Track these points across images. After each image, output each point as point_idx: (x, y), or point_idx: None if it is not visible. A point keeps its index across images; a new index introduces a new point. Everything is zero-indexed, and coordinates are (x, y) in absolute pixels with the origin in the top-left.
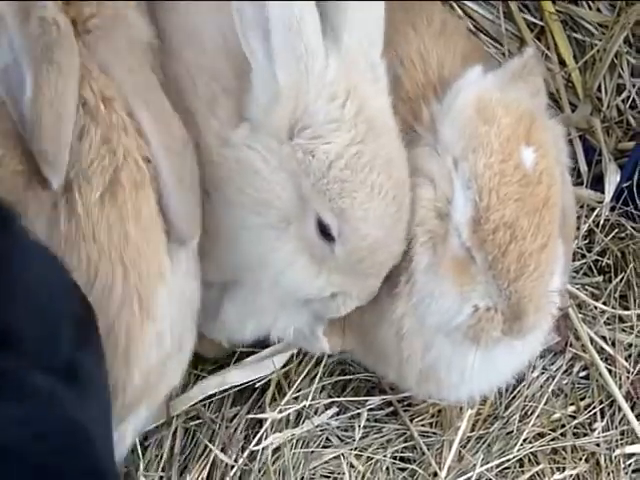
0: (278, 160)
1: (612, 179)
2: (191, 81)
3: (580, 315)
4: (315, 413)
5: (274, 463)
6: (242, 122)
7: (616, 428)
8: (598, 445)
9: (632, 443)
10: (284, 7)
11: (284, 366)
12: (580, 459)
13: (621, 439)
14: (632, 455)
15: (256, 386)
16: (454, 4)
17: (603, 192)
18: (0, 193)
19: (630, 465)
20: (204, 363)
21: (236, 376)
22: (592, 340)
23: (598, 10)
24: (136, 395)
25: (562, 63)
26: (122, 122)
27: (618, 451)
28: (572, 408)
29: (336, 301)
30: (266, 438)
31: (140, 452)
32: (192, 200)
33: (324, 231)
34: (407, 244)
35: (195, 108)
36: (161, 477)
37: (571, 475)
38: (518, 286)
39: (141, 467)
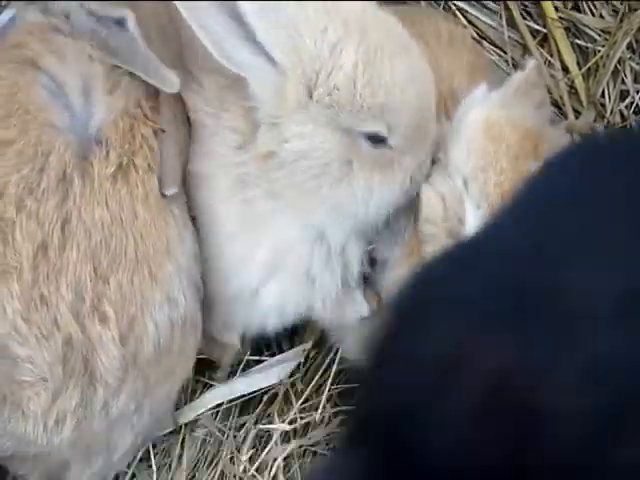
0: (313, 124)
1: None
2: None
3: None
4: (321, 422)
5: (284, 473)
6: (258, 128)
7: None
8: None
9: None
10: None
11: (291, 375)
12: None
13: None
14: None
15: (264, 395)
16: (457, 12)
17: None
18: None
19: None
20: (211, 371)
21: (243, 385)
22: None
23: (601, 16)
24: (150, 357)
25: (565, 69)
26: (144, 115)
27: None
28: None
29: (414, 180)
30: (276, 447)
31: (153, 460)
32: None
33: (375, 139)
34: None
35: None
36: None
37: None
38: None
39: (153, 477)
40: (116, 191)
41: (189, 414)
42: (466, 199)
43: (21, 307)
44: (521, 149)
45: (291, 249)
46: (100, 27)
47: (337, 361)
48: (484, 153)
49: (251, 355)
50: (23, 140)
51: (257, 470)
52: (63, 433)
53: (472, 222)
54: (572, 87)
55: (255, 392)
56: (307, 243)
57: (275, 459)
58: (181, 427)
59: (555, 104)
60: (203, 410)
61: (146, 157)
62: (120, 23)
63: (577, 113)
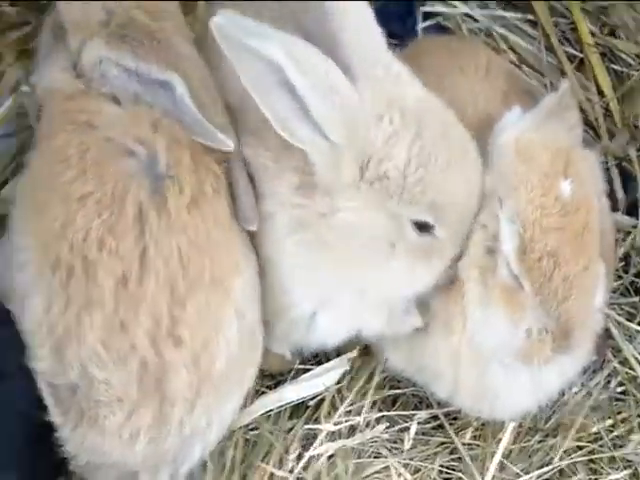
0: (362, 202)
1: None
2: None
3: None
4: (366, 426)
5: (328, 472)
6: (316, 195)
7: None
8: (636, 455)
9: None
10: (311, 80)
11: (337, 383)
12: (617, 469)
13: None
14: None
15: (311, 402)
16: (498, 38)
17: (638, 217)
18: None
19: None
20: (263, 379)
21: (293, 392)
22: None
23: (636, 42)
24: (221, 373)
25: (601, 93)
26: (201, 146)
27: None
28: (609, 422)
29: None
30: (321, 446)
31: (209, 460)
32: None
33: (421, 227)
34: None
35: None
36: None
37: None
38: (566, 307)
39: (209, 476)
40: (191, 219)
41: (243, 419)
42: (501, 216)
43: (102, 334)
44: (551, 168)
45: (340, 290)
46: (143, 89)
47: (380, 369)
48: (516, 173)
49: (300, 364)
50: (100, 190)
51: (303, 469)
52: (136, 447)
53: (507, 237)
54: (607, 110)
55: (303, 398)
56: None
57: (320, 456)
58: (234, 431)
59: (590, 126)
60: (256, 415)
61: (212, 183)
62: (165, 86)
63: (611, 135)
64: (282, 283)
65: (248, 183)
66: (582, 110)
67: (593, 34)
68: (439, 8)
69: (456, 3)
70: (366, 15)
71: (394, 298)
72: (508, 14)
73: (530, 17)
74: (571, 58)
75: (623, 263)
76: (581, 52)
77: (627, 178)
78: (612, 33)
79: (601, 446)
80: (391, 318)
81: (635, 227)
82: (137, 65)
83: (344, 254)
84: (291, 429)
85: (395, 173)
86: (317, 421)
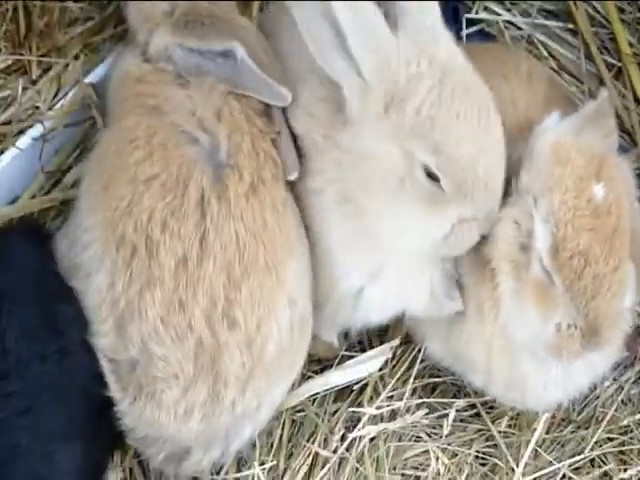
0: (381, 134)
1: None
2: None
3: None
4: (407, 411)
5: (370, 454)
6: (345, 126)
7: None
8: None
9: None
10: (354, 17)
11: (380, 369)
12: None
13: None
14: None
15: (355, 386)
16: (539, 45)
17: None
18: None
19: None
20: (310, 364)
21: (338, 377)
22: None
23: None
24: (273, 357)
25: (637, 101)
26: (260, 130)
27: None
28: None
29: (457, 233)
30: (364, 428)
31: (257, 440)
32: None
33: (431, 175)
34: (492, 271)
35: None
36: (271, 461)
37: (637, 472)
38: (594, 305)
39: (257, 454)
40: (249, 205)
41: (290, 401)
42: (535, 215)
43: (161, 311)
44: (585, 171)
45: (387, 258)
46: (205, 62)
47: (421, 358)
48: (551, 174)
49: (345, 351)
50: (166, 172)
51: (346, 450)
52: (191, 423)
53: (541, 235)
54: None
55: (348, 383)
56: (395, 257)
57: (362, 438)
58: (282, 412)
59: (627, 132)
60: (302, 398)
61: (271, 169)
62: (225, 54)
63: None
64: (330, 257)
65: (288, 135)
66: (619, 117)
67: (631, 44)
68: (483, 15)
69: (500, 10)
70: None
71: (404, 245)
72: (549, 22)
73: (571, 26)
74: (609, 67)
75: None
76: (619, 61)
77: None
78: None
79: (631, 438)
80: (433, 297)
81: None
82: (199, 43)
83: (363, 196)
84: (335, 412)
85: (411, 109)
86: (360, 405)
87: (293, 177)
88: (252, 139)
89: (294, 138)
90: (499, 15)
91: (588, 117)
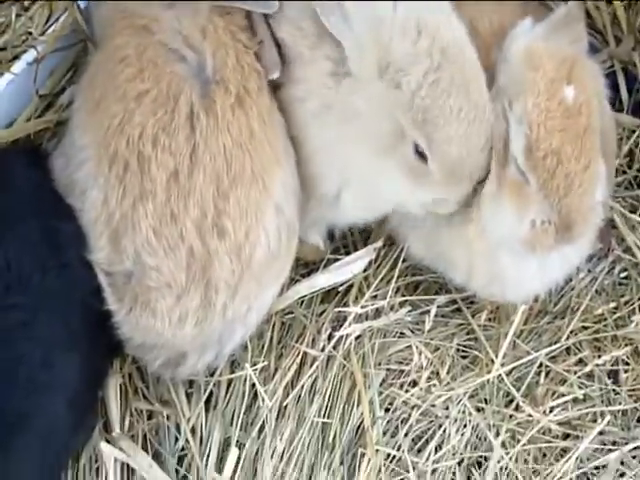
0: (376, 99)
1: None
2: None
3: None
4: (391, 309)
5: (356, 351)
6: (344, 79)
7: None
8: (636, 334)
9: None
10: None
11: (364, 270)
12: (619, 347)
13: None
14: None
15: (340, 287)
16: None
17: None
18: None
19: None
20: (297, 268)
21: (324, 280)
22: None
23: None
24: (262, 262)
25: (608, 1)
26: (243, 45)
27: None
28: (613, 304)
29: (438, 206)
30: (349, 327)
31: (249, 342)
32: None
33: (420, 153)
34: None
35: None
36: (262, 362)
37: (611, 359)
38: (567, 201)
39: (249, 355)
40: (235, 118)
41: (279, 304)
42: (510, 117)
43: (153, 223)
44: (556, 74)
45: (359, 165)
46: None
47: (403, 257)
48: (524, 79)
49: (330, 254)
50: (156, 88)
51: (333, 348)
52: (185, 328)
53: (515, 136)
54: (614, 17)
55: (334, 285)
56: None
57: (348, 337)
58: (272, 315)
59: (599, 32)
60: (291, 301)
61: (255, 81)
62: None
63: (618, 40)
64: (310, 162)
65: (270, 38)
66: (591, 17)
67: None
68: None
69: None
70: None
71: (376, 198)
72: None
73: None
74: None
75: (628, 159)
76: None
77: (631, 81)
78: None
79: (605, 326)
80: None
81: (638, 126)
82: None
83: (354, 136)
84: (322, 312)
85: (407, 89)
86: (346, 305)
87: (275, 76)
88: (236, 54)
89: (278, 47)
90: None
91: (559, 22)
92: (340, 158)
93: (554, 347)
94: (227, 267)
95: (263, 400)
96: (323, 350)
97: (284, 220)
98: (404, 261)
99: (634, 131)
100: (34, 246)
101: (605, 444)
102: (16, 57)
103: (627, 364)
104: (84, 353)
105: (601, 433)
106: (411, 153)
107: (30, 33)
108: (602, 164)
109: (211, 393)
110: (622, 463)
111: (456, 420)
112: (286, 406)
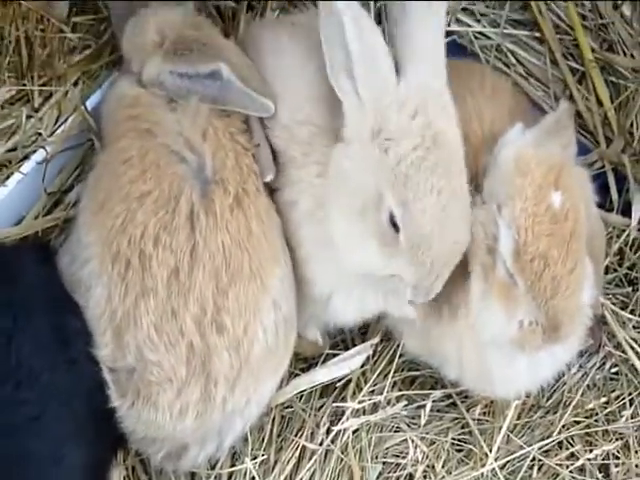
0: (363, 160)
1: (638, 206)
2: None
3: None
4: (388, 404)
5: (353, 445)
6: (337, 143)
7: None
8: (627, 429)
9: None
10: (362, 44)
11: (362, 366)
12: (610, 441)
13: None
14: None
15: (339, 382)
16: (508, 53)
17: (631, 217)
18: None
19: None
20: (296, 362)
21: (323, 375)
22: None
23: (632, 56)
24: (260, 357)
25: (600, 103)
26: (242, 147)
27: None
28: (604, 399)
29: (398, 288)
30: (347, 421)
31: (249, 434)
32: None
33: (393, 222)
34: (465, 273)
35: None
36: (262, 455)
37: (602, 453)
38: (554, 303)
39: (249, 448)
40: (234, 217)
41: (279, 398)
42: (499, 221)
43: (155, 319)
44: (544, 181)
45: (338, 227)
46: (194, 85)
47: (400, 353)
48: (513, 184)
49: (329, 349)
50: (158, 189)
51: (331, 442)
52: (186, 421)
53: (504, 240)
54: (605, 118)
55: (332, 380)
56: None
57: (346, 431)
58: (272, 408)
59: (590, 133)
60: (290, 395)
61: (254, 182)
62: (212, 75)
63: (609, 141)
64: (302, 265)
65: (264, 138)
66: (582, 118)
67: (593, 50)
68: (454, 27)
69: (470, 22)
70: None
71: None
72: (517, 32)
73: (537, 34)
74: (574, 71)
75: (618, 257)
76: (582, 66)
77: (621, 181)
78: (610, 48)
79: (596, 421)
80: (389, 303)
81: (628, 226)
82: (188, 68)
83: (335, 196)
84: (321, 407)
85: (393, 156)
86: (344, 399)
87: (269, 178)
88: (235, 155)
89: (273, 153)
90: (470, 27)
91: (549, 129)
92: (331, 263)
93: (547, 441)
94: (226, 362)
95: None
96: (321, 444)
97: (281, 316)
98: (401, 356)
99: (624, 230)
100: (44, 344)
101: None
102: (26, 157)
103: (617, 458)
104: (90, 446)
105: None
106: (386, 220)
107: (40, 134)
108: (589, 266)
109: None
110: None
111: None
112: None
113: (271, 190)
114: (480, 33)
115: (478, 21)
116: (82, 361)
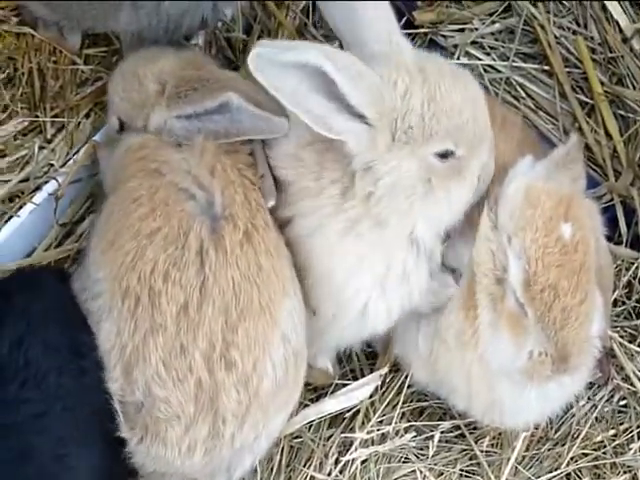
0: (397, 160)
1: None
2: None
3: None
4: (396, 434)
5: (362, 476)
6: (355, 182)
7: None
8: (635, 461)
9: None
10: (342, 71)
11: (370, 396)
12: (618, 474)
13: None
14: None
15: (347, 413)
16: (517, 87)
17: (639, 250)
18: None
19: None
20: (306, 393)
21: (331, 405)
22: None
23: None
24: (269, 392)
25: (609, 136)
26: (250, 182)
27: None
28: (612, 432)
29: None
30: (356, 451)
31: (258, 465)
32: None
33: (443, 155)
34: (473, 303)
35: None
36: None
37: None
38: (563, 334)
39: (258, 479)
40: (244, 252)
41: (288, 429)
42: (509, 252)
43: (163, 355)
44: (554, 213)
45: (393, 266)
46: (204, 123)
47: (408, 383)
48: (524, 215)
49: (338, 379)
50: (167, 226)
51: (340, 472)
52: (194, 458)
53: (514, 270)
54: (614, 151)
55: (341, 410)
56: (406, 252)
57: (354, 461)
58: (281, 439)
59: (599, 166)
60: (299, 426)
61: (263, 217)
62: (220, 109)
63: (617, 174)
64: (336, 286)
65: (267, 164)
66: (592, 152)
67: (603, 83)
68: (464, 60)
69: (480, 55)
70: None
71: (446, 227)
72: (526, 65)
73: (546, 68)
74: (583, 105)
75: (626, 290)
76: (592, 99)
77: (630, 214)
78: (620, 82)
79: (604, 453)
80: (430, 290)
81: (637, 259)
82: (196, 107)
83: (398, 216)
84: (330, 437)
85: (416, 119)
86: (352, 430)
87: (270, 204)
88: (244, 191)
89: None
90: (479, 60)
91: (558, 161)
92: (378, 258)
93: (555, 474)
94: (234, 398)
95: None
96: (330, 474)
97: (291, 349)
98: (409, 387)
99: (633, 263)
100: (55, 347)
101: None
102: (38, 188)
103: None
104: (98, 453)
105: None
106: (439, 165)
107: (52, 165)
108: (599, 298)
109: None
110: None
111: None
112: None
113: (285, 223)
114: (489, 66)
115: (487, 54)
116: (92, 376)
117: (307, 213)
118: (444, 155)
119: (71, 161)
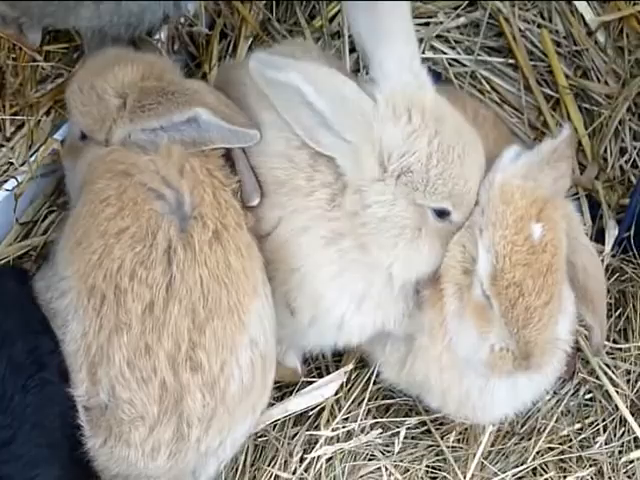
0: (391, 195)
1: (611, 233)
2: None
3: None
4: (362, 431)
5: (327, 474)
6: (345, 196)
7: (618, 440)
8: (601, 455)
9: (636, 448)
10: (325, 96)
11: (335, 393)
12: (584, 467)
13: (621, 449)
14: (632, 461)
15: (312, 410)
16: (482, 80)
17: (604, 244)
18: None
19: (629, 471)
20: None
21: (296, 404)
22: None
23: (605, 83)
24: (236, 396)
25: (574, 130)
26: (220, 182)
27: (624, 458)
28: (578, 425)
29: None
30: (321, 449)
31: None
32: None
33: (440, 213)
34: (440, 292)
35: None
36: None
37: (576, 479)
38: (525, 333)
39: (222, 478)
40: (213, 251)
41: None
42: (480, 244)
43: (127, 355)
44: (525, 212)
45: (372, 290)
46: (171, 133)
47: (374, 380)
48: (496, 211)
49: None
50: (136, 225)
51: (305, 471)
52: (158, 460)
53: (483, 262)
54: (579, 145)
55: (306, 408)
56: (383, 285)
57: (320, 459)
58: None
59: None
60: (264, 425)
61: (233, 217)
62: (189, 121)
63: (583, 167)
64: (316, 292)
65: (247, 163)
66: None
67: (567, 76)
68: (429, 54)
69: (445, 49)
70: (407, 23)
71: (418, 276)
72: (491, 58)
73: (511, 61)
74: (548, 98)
75: None
76: (557, 92)
77: (595, 208)
78: (584, 75)
79: (570, 447)
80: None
81: (602, 252)
82: (161, 121)
83: (378, 249)
84: (295, 435)
85: (418, 167)
86: (317, 428)
87: (255, 203)
88: (213, 191)
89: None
90: (444, 53)
91: (544, 159)
92: (356, 278)
93: (521, 468)
94: (199, 401)
95: None
96: (295, 473)
97: (258, 352)
98: (375, 383)
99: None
100: (18, 367)
101: None
102: None
103: None
104: (64, 467)
105: None
106: (433, 221)
107: (11, 163)
108: (568, 300)
109: None
110: None
111: None
112: None
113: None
114: (454, 60)
115: (452, 48)
116: (55, 381)
117: (297, 211)
118: (441, 214)
119: (31, 159)
